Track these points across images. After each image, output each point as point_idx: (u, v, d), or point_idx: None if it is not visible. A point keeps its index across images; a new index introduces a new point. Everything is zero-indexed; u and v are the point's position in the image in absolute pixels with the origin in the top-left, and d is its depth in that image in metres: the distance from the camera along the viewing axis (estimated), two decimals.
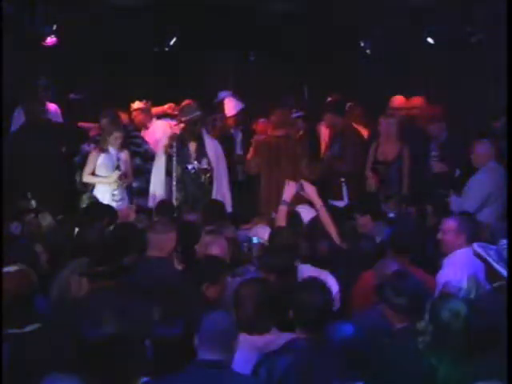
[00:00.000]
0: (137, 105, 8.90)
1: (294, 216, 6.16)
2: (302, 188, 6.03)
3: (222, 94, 9.24)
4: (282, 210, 5.92)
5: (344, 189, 8.01)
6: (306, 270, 4.99)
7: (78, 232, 5.97)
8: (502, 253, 4.42)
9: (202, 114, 7.82)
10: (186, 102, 8.04)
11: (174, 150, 7.64)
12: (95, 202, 7.27)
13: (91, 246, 5.26)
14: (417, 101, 8.86)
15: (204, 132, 7.90)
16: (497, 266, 4.41)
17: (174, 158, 7.64)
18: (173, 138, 7.73)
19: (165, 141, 7.79)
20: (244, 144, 8.76)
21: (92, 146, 8.06)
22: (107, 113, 8.26)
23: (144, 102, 8.89)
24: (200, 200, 7.53)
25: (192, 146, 7.71)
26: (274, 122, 8.06)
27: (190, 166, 7.67)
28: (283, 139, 7.94)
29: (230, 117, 8.80)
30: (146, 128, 8.87)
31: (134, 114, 8.87)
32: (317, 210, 5.92)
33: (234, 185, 8.37)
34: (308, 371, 3.67)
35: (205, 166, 7.65)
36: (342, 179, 7.96)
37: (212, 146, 7.77)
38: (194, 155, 7.69)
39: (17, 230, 5.97)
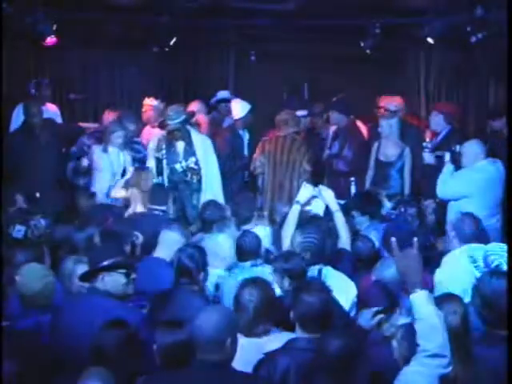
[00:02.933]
0: (150, 101, 8.90)
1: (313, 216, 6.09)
2: (319, 192, 5.95)
3: (220, 94, 9.23)
4: (295, 210, 5.82)
5: (353, 188, 8.01)
6: (329, 273, 5.00)
7: (76, 233, 5.98)
8: (487, 258, 4.39)
9: (188, 117, 7.73)
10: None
11: (163, 152, 7.63)
12: (97, 204, 7.26)
13: (93, 248, 5.27)
14: (388, 99, 8.86)
15: (193, 130, 7.86)
16: (479, 274, 4.39)
17: (164, 160, 7.63)
18: (161, 140, 7.70)
19: (151, 144, 7.78)
20: (250, 145, 8.73)
21: (91, 140, 8.07)
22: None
23: (159, 100, 8.90)
24: (189, 199, 7.55)
25: (180, 145, 7.70)
26: (280, 121, 8.05)
27: (177, 166, 7.66)
28: (289, 139, 7.93)
29: (238, 119, 8.78)
30: (152, 126, 8.87)
31: (145, 108, 8.86)
32: (332, 214, 5.83)
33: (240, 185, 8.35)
34: (308, 371, 3.68)
35: (191, 165, 7.64)
36: (352, 178, 7.95)
37: (201, 145, 7.72)
38: (181, 154, 7.69)
39: (19, 234, 5.93)
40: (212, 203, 6.76)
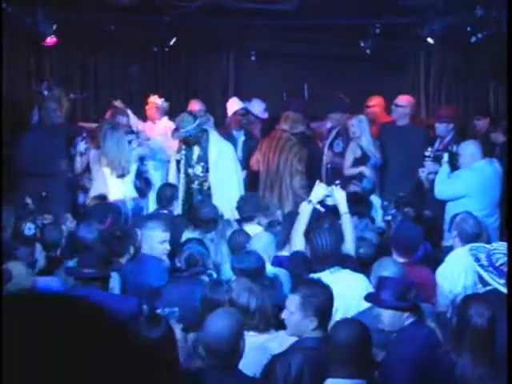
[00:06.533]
0: (154, 99, 8.91)
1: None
2: (331, 191, 5.85)
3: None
4: (307, 209, 5.77)
5: (357, 188, 7.99)
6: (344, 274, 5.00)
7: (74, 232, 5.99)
8: (491, 257, 4.41)
9: (200, 124, 7.59)
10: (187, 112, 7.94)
11: (183, 152, 7.61)
12: (99, 203, 7.24)
13: (86, 246, 5.31)
14: (376, 100, 8.91)
15: (213, 135, 7.71)
16: (484, 272, 4.41)
17: (182, 162, 7.61)
18: (181, 142, 7.68)
19: (174, 146, 7.77)
20: (246, 145, 8.65)
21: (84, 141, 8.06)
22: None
23: (162, 99, 8.90)
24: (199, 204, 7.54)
25: (196, 150, 7.63)
26: (283, 117, 8.01)
27: (190, 170, 7.64)
28: (283, 138, 7.85)
29: (230, 117, 8.74)
30: (154, 123, 8.87)
31: (149, 105, 8.86)
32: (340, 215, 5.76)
33: None
34: (320, 369, 3.68)
35: (197, 172, 7.59)
36: (354, 181, 7.92)
37: (216, 152, 7.56)
38: (195, 159, 7.65)
39: (29, 232, 5.94)
40: (208, 202, 6.80)
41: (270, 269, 5.31)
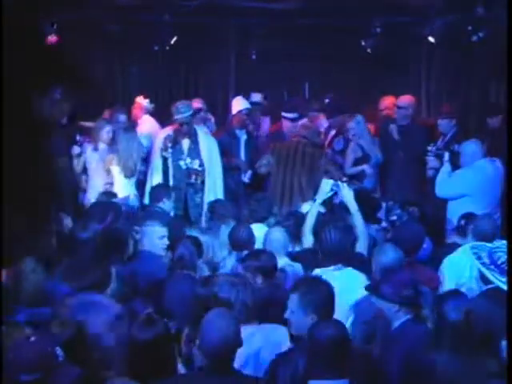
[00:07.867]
0: (140, 100, 8.93)
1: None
2: (338, 187, 5.83)
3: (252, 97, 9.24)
4: (314, 208, 5.77)
5: None
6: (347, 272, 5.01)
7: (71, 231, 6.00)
8: (493, 255, 4.43)
9: (195, 112, 7.77)
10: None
11: (169, 150, 7.63)
12: (97, 202, 7.25)
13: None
14: (388, 100, 8.92)
15: (200, 129, 7.87)
16: (485, 270, 4.43)
17: (169, 159, 7.63)
18: (167, 139, 7.69)
19: (159, 143, 7.77)
20: (248, 145, 8.62)
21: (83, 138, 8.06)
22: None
23: (148, 100, 8.93)
24: (192, 198, 7.57)
25: (185, 144, 7.70)
26: (311, 129, 8.00)
27: (181, 163, 7.66)
28: (302, 144, 7.74)
29: (234, 115, 8.73)
30: (137, 122, 8.92)
31: (135, 105, 8.90)
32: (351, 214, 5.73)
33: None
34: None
35: (195, 166, 7.62)
36: (355, 180, 7.93)
37: (207, 145, 7.71)
38: (186, 152, 7.69)
39: None
40: (220, 201, 6.85)
41: (287, 262, 5.35)
